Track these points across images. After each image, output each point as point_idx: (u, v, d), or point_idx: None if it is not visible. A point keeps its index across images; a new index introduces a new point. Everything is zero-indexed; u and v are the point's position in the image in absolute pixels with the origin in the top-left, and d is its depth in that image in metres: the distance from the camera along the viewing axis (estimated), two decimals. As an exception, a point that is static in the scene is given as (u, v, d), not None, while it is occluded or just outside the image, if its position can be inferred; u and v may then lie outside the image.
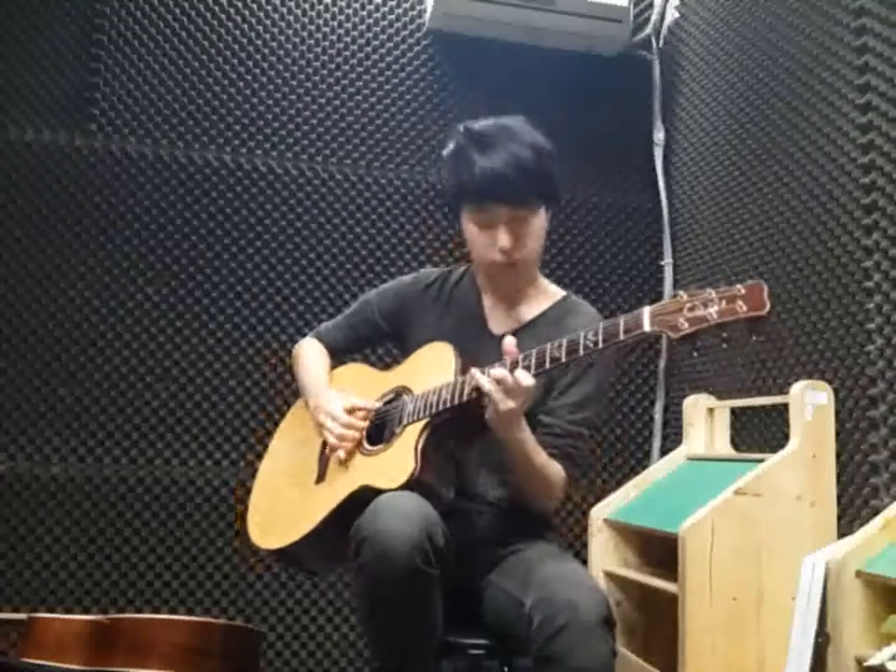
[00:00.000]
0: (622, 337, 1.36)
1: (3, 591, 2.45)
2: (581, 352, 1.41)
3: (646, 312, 1.35)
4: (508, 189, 1.62)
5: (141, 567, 2.56)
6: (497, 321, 1.78)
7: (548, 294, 1.81)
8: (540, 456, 1.61)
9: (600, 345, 1.39)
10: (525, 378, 1.45)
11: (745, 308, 1.27)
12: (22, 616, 2.20)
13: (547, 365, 1.45)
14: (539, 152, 1.65)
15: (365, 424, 1.67)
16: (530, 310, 1.78)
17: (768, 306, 1.26)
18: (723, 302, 1.29)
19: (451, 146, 1.73)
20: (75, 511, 2.54)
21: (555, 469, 1.64)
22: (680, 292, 1.34)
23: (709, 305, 1.29)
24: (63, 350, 2.59)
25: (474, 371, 1.50)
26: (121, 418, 2.60)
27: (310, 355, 1.91)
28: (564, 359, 1.43)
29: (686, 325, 1.30)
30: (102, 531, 2.55)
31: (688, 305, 1.31)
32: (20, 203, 2.60)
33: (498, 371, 1.46)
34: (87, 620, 2.11)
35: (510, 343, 1.52)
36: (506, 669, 1.57)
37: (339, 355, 1.93)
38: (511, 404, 1.46)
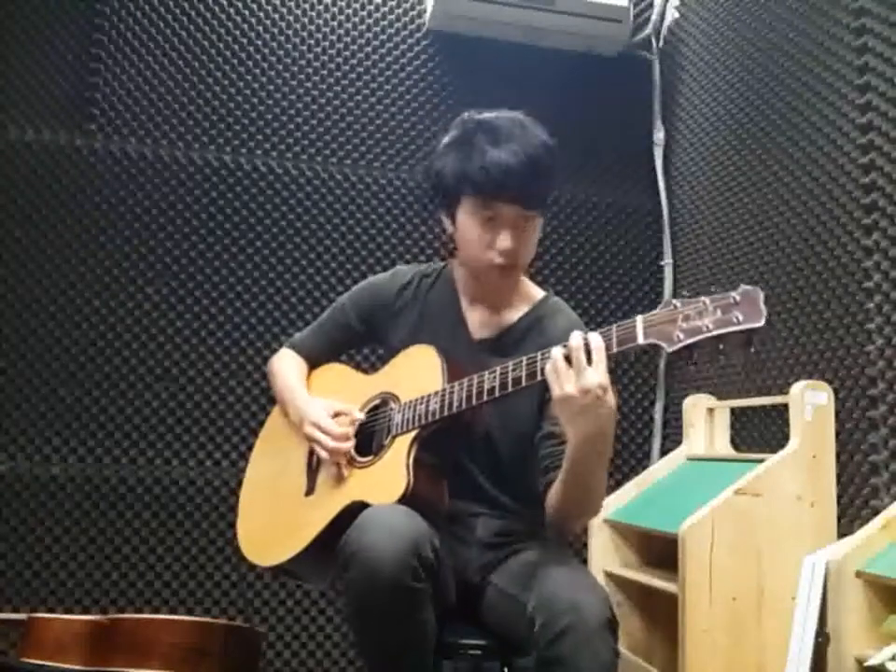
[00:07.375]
0: (615, 350, 1.31)
1: (3, 591, 2.45)
2: None
3: (639, 321, 1.28)
4: (521, 188, 1.53)
5: (141, 567, 2.56)
6: (476, 326, 1.69)
7: (528, 296, 1.71)
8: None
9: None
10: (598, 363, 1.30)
11: (740, 318, 1.20)
12: (22, 616, 2.20)
13: (538, 377, 1.38)
14: (550, 152, 1.57)
15: (353, 431, 1.63)
16: (510, 314, 1.68)
17: (765, 315, 1.19)
18: (718, 311, 1.21)
19: (455, 133, 1.63)
20: (75, 511, 2.54)
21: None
22: (674, 300, 1.27)
23: (704, 315, 1.22)
24: (62, 350, 2.59)
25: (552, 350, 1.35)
26: (121, 418, 2.60)
27: (287, 367, 1.83)
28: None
29: (682, 336, 1.23)
30: (102, 531, 2.55)
31: (682, 315, 1.24)
32: (20, 202, 2.60)
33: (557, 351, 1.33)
34: (87, 620, 2.11)
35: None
36: (506, 670, 1.57)
37: (317, 364, 1.86)
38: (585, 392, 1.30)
